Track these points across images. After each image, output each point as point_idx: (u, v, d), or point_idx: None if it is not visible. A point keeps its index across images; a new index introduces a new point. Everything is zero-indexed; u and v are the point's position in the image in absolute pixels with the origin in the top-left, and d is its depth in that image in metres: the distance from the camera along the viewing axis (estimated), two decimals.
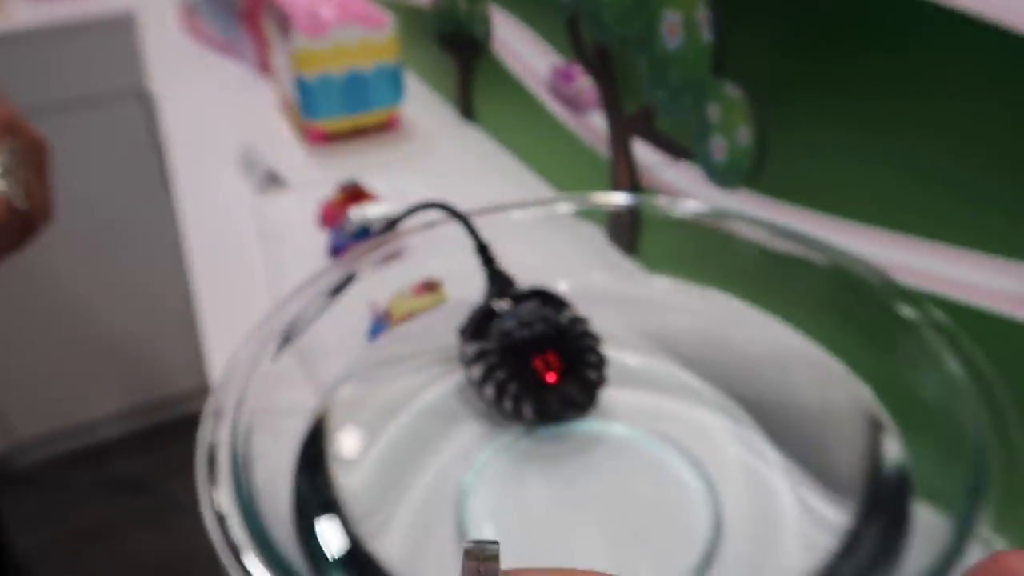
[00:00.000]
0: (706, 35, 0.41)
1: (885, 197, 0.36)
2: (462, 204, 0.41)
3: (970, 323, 0.32)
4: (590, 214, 0.42)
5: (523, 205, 0.41)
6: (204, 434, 0.28)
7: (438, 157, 0.74)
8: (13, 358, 1.48)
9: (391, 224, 0.41)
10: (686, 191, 0.47)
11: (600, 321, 0.38)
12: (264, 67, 0.92)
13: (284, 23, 0.71)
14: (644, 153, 0.51)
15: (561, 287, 0.40)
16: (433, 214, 0.41)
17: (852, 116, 0.36)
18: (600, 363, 0.37)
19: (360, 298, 0.42)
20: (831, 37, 0.36)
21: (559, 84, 0.61)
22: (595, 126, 0.57)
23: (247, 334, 0.33)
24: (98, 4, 1.31)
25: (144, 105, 1.26)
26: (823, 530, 0.28)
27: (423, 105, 0.83)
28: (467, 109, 0.79)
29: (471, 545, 0.17)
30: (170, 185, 0.73)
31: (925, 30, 0.32)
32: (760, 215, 0.41)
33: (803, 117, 0.39)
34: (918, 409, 0.29)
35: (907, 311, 0.30)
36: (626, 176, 0.52)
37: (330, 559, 0.27)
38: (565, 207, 0.41)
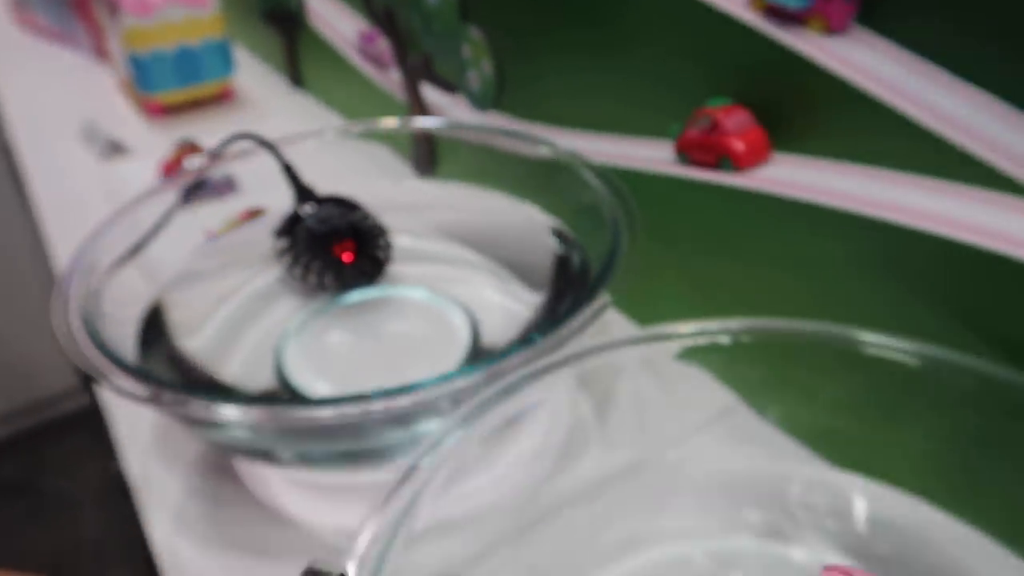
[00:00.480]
0: None
1: (586, 107, 0.49)
2: (301, 155, 0.51)
3: (635, 182, 0.45)
4: (378, 137, 0.53)
5: (317, 133, 0.51)
6: (56, 306, 0.37)
7: (271, 121, 0.82)
8: None
9: (212, 155, 0.50)
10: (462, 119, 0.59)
11: (390, 218, 0.49)
12: (100, 53, 0.97)
13: (113, 6, 0.77)
14: (432, 95, 0.62)
15: (355, 194, 0.50)
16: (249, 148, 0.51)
17: (565, 46, 0.49)
18: (387, 245, 0.47)
19: (194, 227, 0.51)
20: None
21: (365, 46, 0.71)
22: (395, 78, 0.67)
23: (83, 240, 0.42)
24: None
25: None
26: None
27: (255, 77, 0.91)
28: (296, 78, 0.88)
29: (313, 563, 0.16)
30: (17, 173, 0.79)
31: None
32: (504, 126, 0.53)
33: (530, 50, 0.51)
34: (584, 218, 0.42)
35: (583, 171, 0.43)
36: (419, 115, 0.63)
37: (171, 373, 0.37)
38: (331, 134, 0.52)
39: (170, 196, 0.48)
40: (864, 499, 0.32)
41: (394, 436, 0.34)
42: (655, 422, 0.41)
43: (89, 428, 1.66)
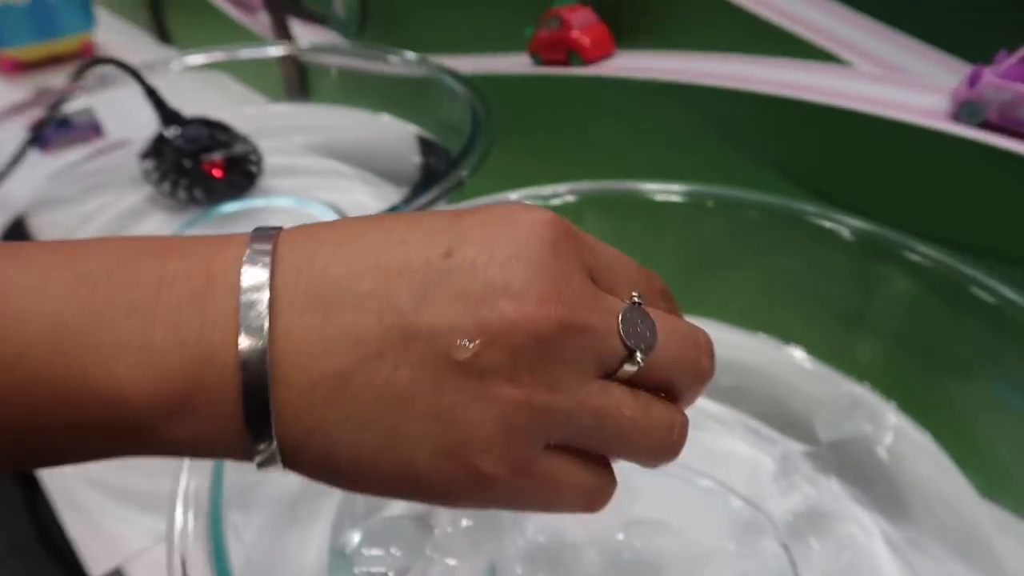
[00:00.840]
0: None
1: (447, 28, 0.51)
2: (172, 86, 0.50)
3: (494, 87, 0.47)
4: (243, 70, 0.54)
5: (178, 57, 0.51)
6: None
7: None
8: None
9: (71, 80, 0.49)
10: None
11: (261, 141, 0.49)
12: None
13: None
14: (302, 31, 0.63)
15: (225, 117, 0.50)
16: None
17: None
18: (258, 160, 0.48)
19: (61, 161, 0.51)
20: None
21: None
22: (264, 19, 0.67)
23: None
24: None
25: None
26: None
27: (118, 34, 0.88)
28: (163, 33, 0.86)
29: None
30: None
31: None
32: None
33: None
34: (447, 126, 0.44)
35: (443, 78, 0.45)
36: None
37: None
38: (199, 58, 0.52)
39: (19, 126, 0.47)
40: None
41: None
42: None
43: None
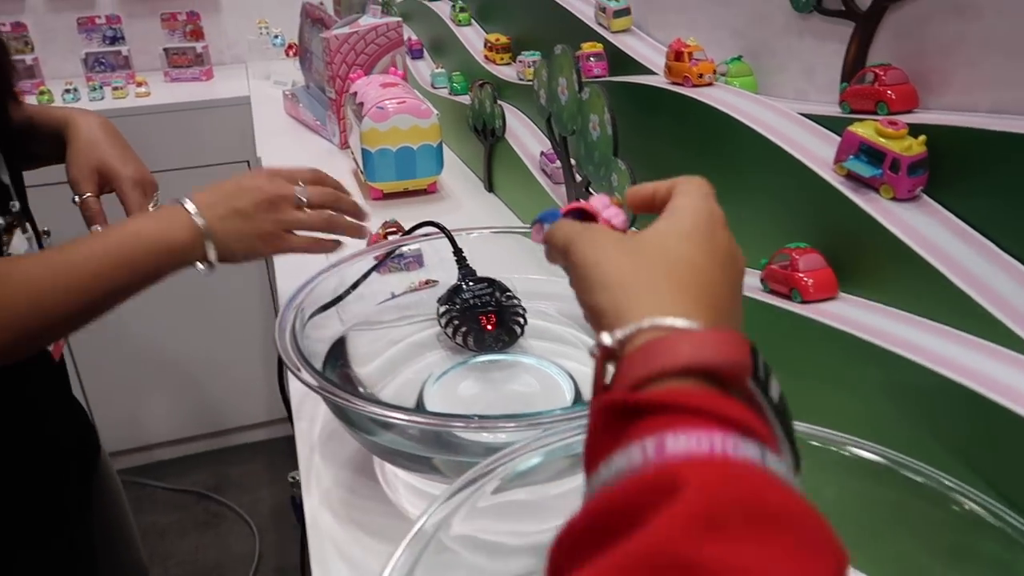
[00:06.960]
0: (609, 130, 0.65)
1: None
2: (473, 244, 0.65)
3: None
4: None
5: (490, 227, 0.65)
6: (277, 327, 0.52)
7: (464, 214, 0.99)
8: (106, 382, 1.75)
9: (404, 233, 0.65)
10: None
11: (532, 302, 0.61)
12: (343, 144, 1.20)
13: (359, 111, 0.99)
14: None
15: (510, 279, 0.63)
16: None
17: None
18: (523, 322, 0.60)
19: (384, 291, 0.67)
20: (675, 135, 0.60)
21: (545, 164, 0.86)
22: (562, 193, 0.81)
23: (299, 285, 0.58)
24: (223, 88, 1.66)
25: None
26: None
27: (458, 176, 1.09)
28: (490, 182, 1.04)
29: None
30: None
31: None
32: None
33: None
34: None
35: None
36: None
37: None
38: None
39: (370, 260, 0.63)
40: None
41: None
42: None
43: (267, 454, 1.89)
